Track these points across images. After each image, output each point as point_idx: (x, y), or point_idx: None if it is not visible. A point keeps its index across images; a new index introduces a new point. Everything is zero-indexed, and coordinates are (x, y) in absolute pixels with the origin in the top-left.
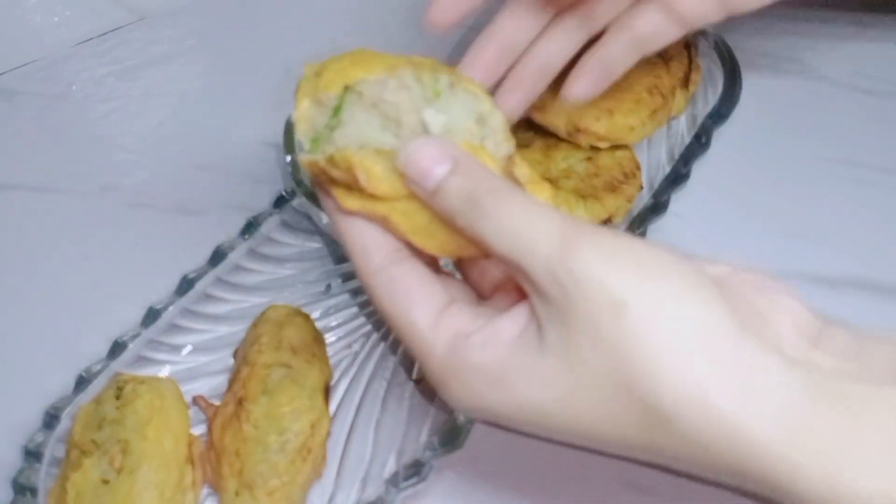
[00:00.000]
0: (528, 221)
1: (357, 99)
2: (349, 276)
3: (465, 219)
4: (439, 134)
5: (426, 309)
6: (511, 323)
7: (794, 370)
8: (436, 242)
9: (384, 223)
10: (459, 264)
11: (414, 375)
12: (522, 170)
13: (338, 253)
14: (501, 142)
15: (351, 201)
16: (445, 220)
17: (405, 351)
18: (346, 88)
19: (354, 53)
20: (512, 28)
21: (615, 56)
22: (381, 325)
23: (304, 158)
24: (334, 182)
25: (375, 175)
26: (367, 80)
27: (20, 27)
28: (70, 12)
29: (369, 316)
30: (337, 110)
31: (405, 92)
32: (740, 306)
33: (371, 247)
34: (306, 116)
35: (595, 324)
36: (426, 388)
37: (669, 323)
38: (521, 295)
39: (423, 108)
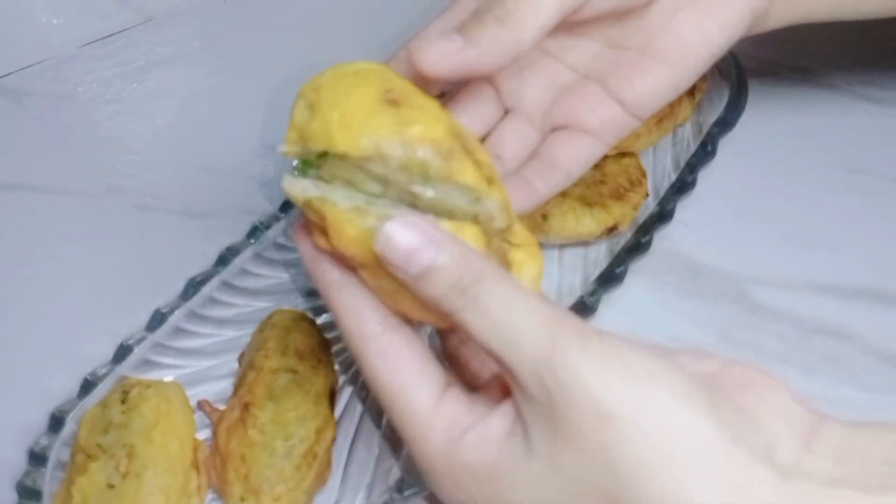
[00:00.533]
0: (515, 317)
1: (339, 160)
2: None
3: (450, 307)
4: (430, 201)
5: (424, 392)
6: (500, 421)
7: (787, 483)
8: (404, 308)
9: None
10: (439, 329)
11: (382, 428)
12: (522, 235)
13: None
14: (497, 217)
15: (323, 241)
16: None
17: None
18: (327, 154)
19: (351, 100)
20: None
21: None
22: None
23: (286, 187)
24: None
25: (347, 236)
26: (348, 156)
27: (27, 28)
28: (76, 13)
29: None
30: (318, 161)
31: (390, 170)
32: (731, 412)
33: (364, 311)
34: (293, 148)
35: (581, 432)
36: (393, 439)
37: (657, 436)
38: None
39: (410, 185)
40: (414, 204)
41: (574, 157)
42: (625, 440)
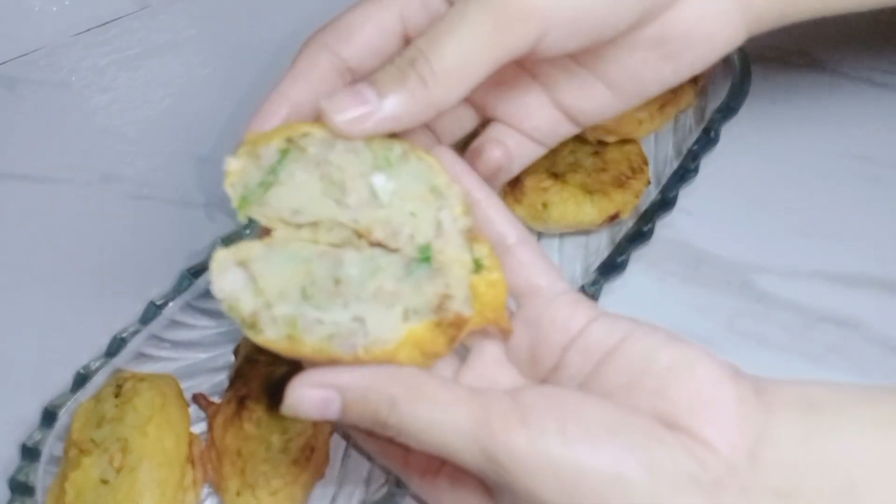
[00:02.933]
0: (443, 436)
1: (299, 156)
2: None
3: (381, 434)
4: (389, 202)
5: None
6: (474, 487)
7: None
8: None
9: None
10: None
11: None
12: (483, 249)
13: None
14: (459, 216)
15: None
16: None
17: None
18: (290, 142)
19: (303, 121)
20: None
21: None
22: None
23: (225, 304)
24: None
25: (303, 353)
26: (313, 136)
27: (22, 15)
28: (71, 1)
29: None
30: (275, 166)
31: (353, 155)
32: (654, 445)
33: (405, 473)
34: (239, 168)
35: None
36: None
37: None
38: None
39: (371, 174)
40: (359, 237)
41: (511, 155)
42: None
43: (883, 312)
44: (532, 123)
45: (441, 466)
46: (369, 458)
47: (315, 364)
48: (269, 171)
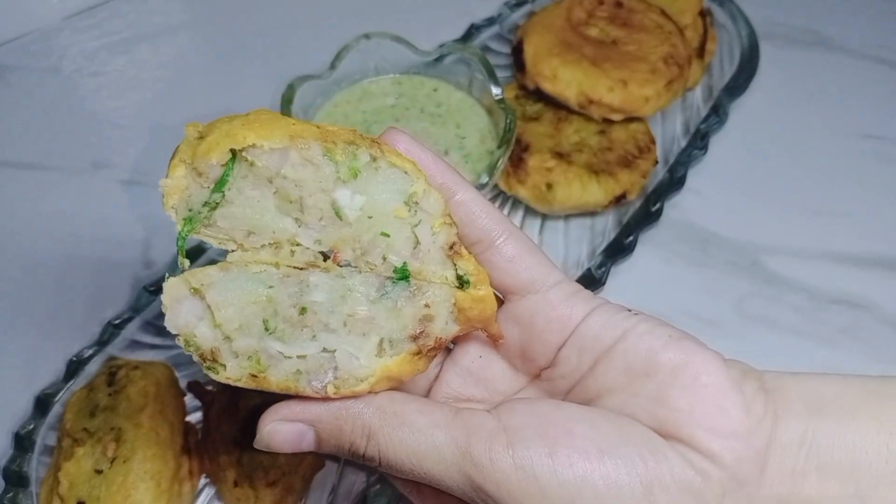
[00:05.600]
0: (424, 463)
1: (247, 170)
2: None
3: (366, 465)
4: (357, 219)
5: None
6: None
7: None
8: None
9: None
10: None
11: None
12: (467, 265)
13: None
14: (439, 229)
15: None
16: None
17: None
18: (233, 154)
19: (250, 115)
20: None
21: None
22: None
23: (181, 339)
24: None
25: (272, 385)
26: (261, 148)
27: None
28: None
29: None
30: (220, 183)
31: (312, 169)
32: (665, 482)
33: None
34: (179, 186)
35: None
36: None
37: None
38: None
39: (334, 190)
40: (325, 259)
41: None
42: None
43: (894, 293)
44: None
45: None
46: None
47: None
48: (213, 188)
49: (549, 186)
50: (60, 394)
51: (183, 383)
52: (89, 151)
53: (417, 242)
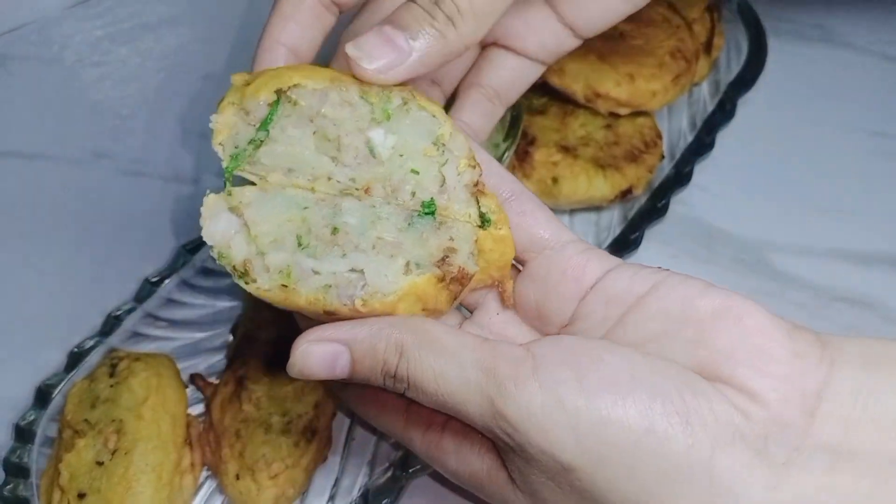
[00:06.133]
0: (451, 386)
1: (291, 109)
2: None
3: (392, 390)
4: (389, 157)
5: (395, 409)
6: (481, 444)
7: (781, 478)
8: None
9: None
10: None
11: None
12: (490, 203)
13: None
14: (464, 169)
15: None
16: None
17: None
18: (280, 94)
19: (294, 64)
20: None
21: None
22: None
23: (216, 250)
24: None
25: (298, 305)
26: (304, 88)
27: None
28: None
29: None
30: (266, 122)
31: (349, 109)
32: (709, 415)
33: (407, 433)
34: (228, 124)
35: (553, 479)
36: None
37: (622, 475)
38: None
39: (369, 129)
40: (354, 189)
41: (510, 81)
42: (593, 485)
43: None
44: (535, 39)
45: (445, 423)
46: (374, 431)
47: (312, 319)
48: (259, 126)
49: (555, 180)
50: (61, 385)
51: (185, 375)
52: (91, 141)
53: (444, 181)
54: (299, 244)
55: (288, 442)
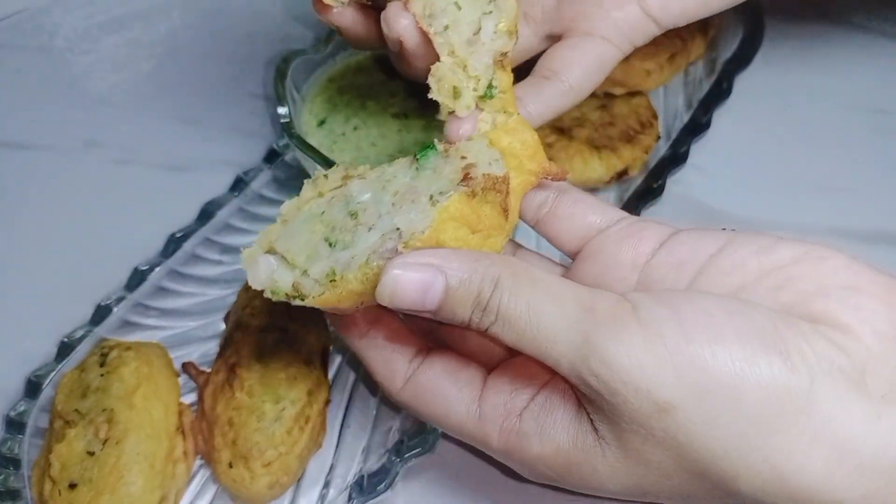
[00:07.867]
0: (543, 321)
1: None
2: None
3: (476, 326)
4: None
5: (463, 405)
6: (563, 414)
7: (883, 409)
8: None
9: None
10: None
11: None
12: (504, 79)
13: None
14: (503, 30)
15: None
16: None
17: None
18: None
19: None
20: None
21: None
22: None
23: (268, 292)
24: None
25: (348, 282)
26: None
27: None
28: None
29: None
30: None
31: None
32: (806, 349)
33: (392, 365)
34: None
35: (644, 424)
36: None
37: (722, 416)
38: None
39: None
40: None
41: (576, 64)
42: (690, 427)
43: None
44: (608, 22)
45: (524, 408)
46: (382, 400)
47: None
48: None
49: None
50: (52, 375)
51: (177, 364)
52: (81, 130)
53: (479, 30)
54: (330, 245)
55: (281, 429)
